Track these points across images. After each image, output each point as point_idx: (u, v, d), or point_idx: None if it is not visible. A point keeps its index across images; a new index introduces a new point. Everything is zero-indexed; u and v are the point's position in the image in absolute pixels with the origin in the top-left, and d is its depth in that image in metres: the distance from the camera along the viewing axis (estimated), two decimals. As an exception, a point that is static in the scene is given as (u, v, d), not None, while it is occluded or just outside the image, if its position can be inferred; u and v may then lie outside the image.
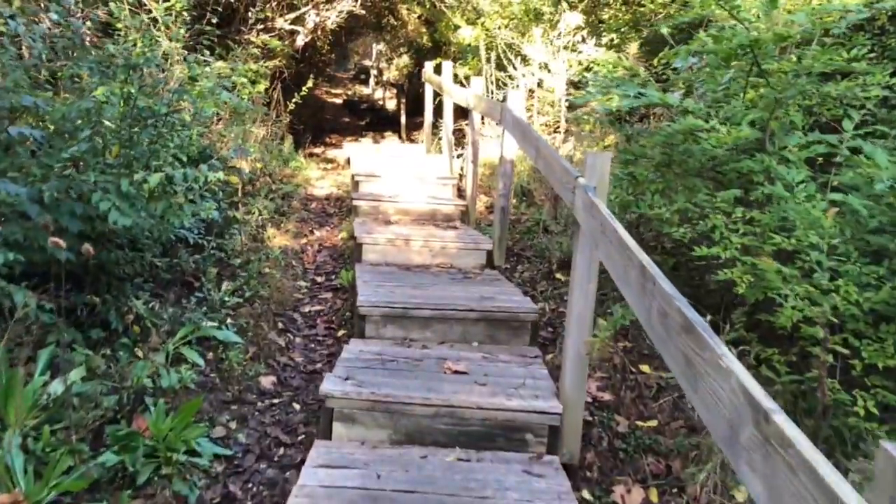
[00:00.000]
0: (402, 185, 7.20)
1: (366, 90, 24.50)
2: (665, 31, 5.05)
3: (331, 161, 11.86)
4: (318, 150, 14.23)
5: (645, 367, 4.31)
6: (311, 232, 6.49)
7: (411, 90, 16.38)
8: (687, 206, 3.55)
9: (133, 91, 3.98)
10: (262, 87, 9.00)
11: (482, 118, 8.64)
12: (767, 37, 3.22)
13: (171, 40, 7.38)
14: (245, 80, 8.58)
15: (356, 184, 7.20)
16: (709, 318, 3.15)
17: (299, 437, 3.54)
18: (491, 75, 9.39)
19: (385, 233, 5.77)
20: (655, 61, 4.46)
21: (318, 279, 5.54)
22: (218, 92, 5.18)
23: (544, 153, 4.00)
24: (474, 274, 5.31)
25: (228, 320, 4.46)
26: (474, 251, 5.61)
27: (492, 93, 9.44)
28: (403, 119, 15.71)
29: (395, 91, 19.52)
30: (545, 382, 3.59)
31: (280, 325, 4.65)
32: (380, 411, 3.25)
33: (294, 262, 5.79)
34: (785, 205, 3.41)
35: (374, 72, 23.01)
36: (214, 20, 10.21)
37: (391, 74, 20.02)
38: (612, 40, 8.68)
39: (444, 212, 6.73)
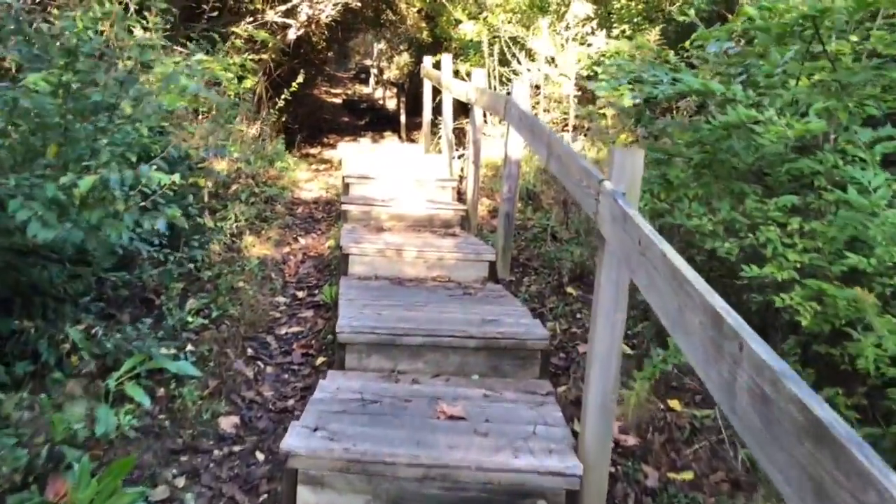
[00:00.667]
0: (396, 188, 6.53)
1: (366, 90, 23.85)
2: (692, 13, 4.38)
3: (326, 161, 11.21)
4: (314, 151, 13.58)
5: (675, 403, 3.63)
6: (296, 239, 5.83)
7: (412, 89, 15.71)
8: (734, 217, 2.88)
9: (72, 79, 3.33)
10: (249, 83, 8.36)
11: (485, 115, 7.97)
12: (841, 5, 2.54)
13: (145, 30, 6.75)
14: (231, 74, 7.94)
15: (347, 186, 6.53)
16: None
17: (261, 498, 2.87)
18: (494, 70, 8.72)
19: (375, 242, 5.10)
20: (688, 44, 3.79)
21: (299, 294, 4.87)
22: (179, 82, 4.52)
23: (558, 151, 3.33)
24: (475, 289, 4.64)
25: (188, 347, 3.80)
26: (475, 262, 4.93)
27: (494, 88, 8.77)
28: (403, 118, 15.04)
29: (395, 90, 18.86)
30: (560, 430, 2.92)
31: (249, 351, 3.98)
32: (356, 473, 2.58)
33: (273, 275, 5.12)
34: (855, 214, 2.74)
35: (374, 71, 22.36)
36: (201, 9, 9.58)
37: (391, 73, 19.38)
38: (623, 32, 8.01)
39: (442, 217, 6.05)
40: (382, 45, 19.49)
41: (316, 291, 4.94)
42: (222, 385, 3.58)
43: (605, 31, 7.98)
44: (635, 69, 3.34)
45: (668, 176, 3.04)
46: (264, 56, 9.46)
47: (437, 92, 8.79)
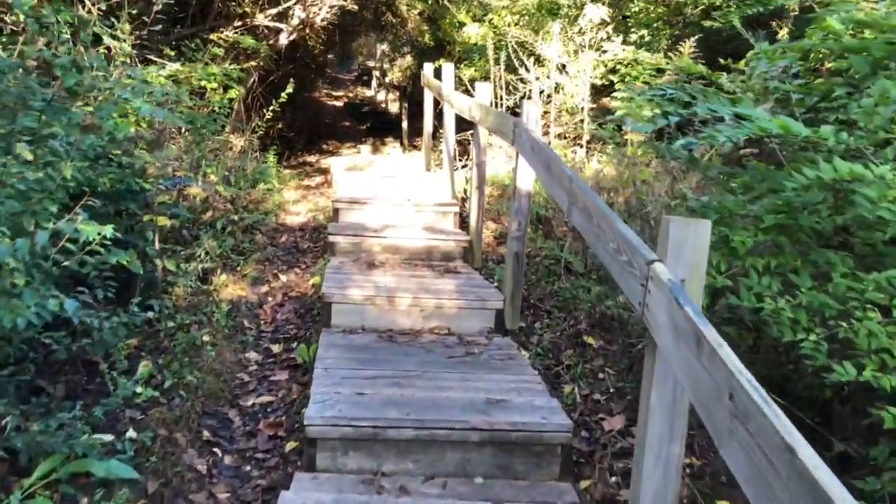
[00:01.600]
0: (392, 214, 5.81)
1: (368, 92, 23.11)
2: (737, 22, 3.65)
3: (322, 171, 10.49)
4: (311, 159, 12.87)
5: (724, 505, 2.91)
6: (276, 276, 5.10)
7: (414, 92, 14.98)
8: (821, 300, 2.14)
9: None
10: (235, 92, 7.64)
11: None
12: None
13: (113, 38, 6.05)
14: (215, 84, 7.24)
15: (336, 212, 5.81)
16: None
17: None
18: (500, 78, 7.98)
19: (364, 285, 4.38)
20: (742, 63, 3.05)
21: (274, 349, 4.15)
22: (134, 101, 3.82)
23: (585, 202, 2.59)
24: (479, 345, 3.92)
25: (129, 432, 3.09)
26: (479, 311, 4.21)
27: (500, 99, 8.03)
28: (405, 125, 14.31)
29: (397, 93, 18.11)
30: (590, 578, 2.20)
31: (206, 433, 3.26)
32: None
33: (246, 322, 4.40)
34: None
35: (376, 73, 21.61)
36: (185, 14, 8.87)
37: (394, 76, 18.64)
38: (641, 37, 7.26)
39: (442, 249, 5.33)
40: (385, 47, 18.77)
41: (294, 344, 4.21)
42: (165, 487, 2.86)
43: (621, 36, 7.24)
44: (679, 96, 2.60)
45: (731, 240, 2.31)
46: (253, 63, 8.74)
47: (438, 102, 8.06)
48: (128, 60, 7.00)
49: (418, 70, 14.61)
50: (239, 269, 5.01)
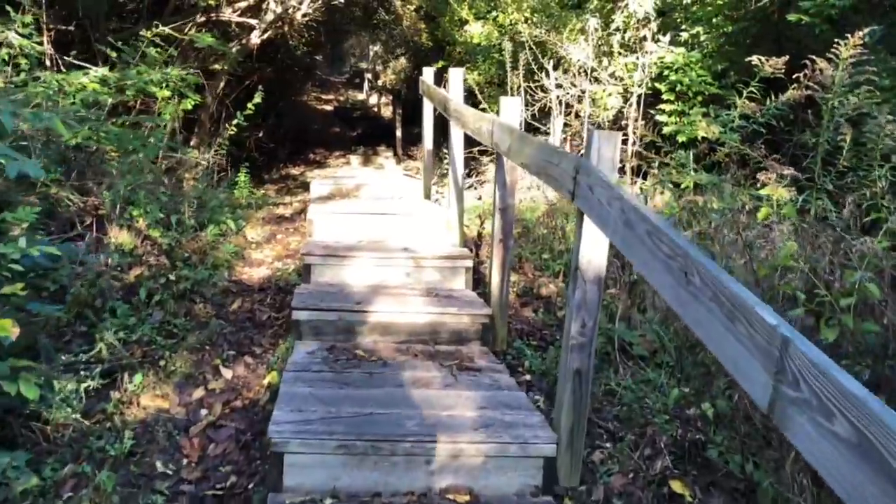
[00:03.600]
0: (383, 271, 4.20)
1: (360, 96, 21.44)
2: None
3: (307, 188, 8.87)
4: (295, 171, 11.29)
5: None
6: (216, 372, 3.45)
7: (409, 96, 13.32)
8: None
9: None
10: (190, 102, 6.02)
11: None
12: None
13: (21, 35, 4.47)
14: (167, 92, 5.64)
15: (308, 269, 4.18)
16: None
17: None
18: (518, 87, 6.37)
19: (339, 410, 2.77)
20: None
21: (196, 522, 2.53)
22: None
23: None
24: (523, 530, 2.31)
25: None
26: (521, 459, 2.60)
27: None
28: (399, 132, 12.69)
29: (391, 97, 16.48)
30: None
31: None
32: None
33: (159, 465, 2.77)
34: None
35: (368, 76, 19.95)
36: (134, 7, 7.27)
37: (387, 79, 17.01)
38: (695, 36, 5.65)
39: (451, 327, 3.72)
40: (378, 48, 17.14)
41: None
42: None
43: (669, 34, 5.64)
44: None
45: None
46: (218, 66, 7.09)
47: (440, 113, 6.39)
48: (48, 63, 5.36)
49: (413, 72, 12.97)
50: (164, 362, 3.38)
